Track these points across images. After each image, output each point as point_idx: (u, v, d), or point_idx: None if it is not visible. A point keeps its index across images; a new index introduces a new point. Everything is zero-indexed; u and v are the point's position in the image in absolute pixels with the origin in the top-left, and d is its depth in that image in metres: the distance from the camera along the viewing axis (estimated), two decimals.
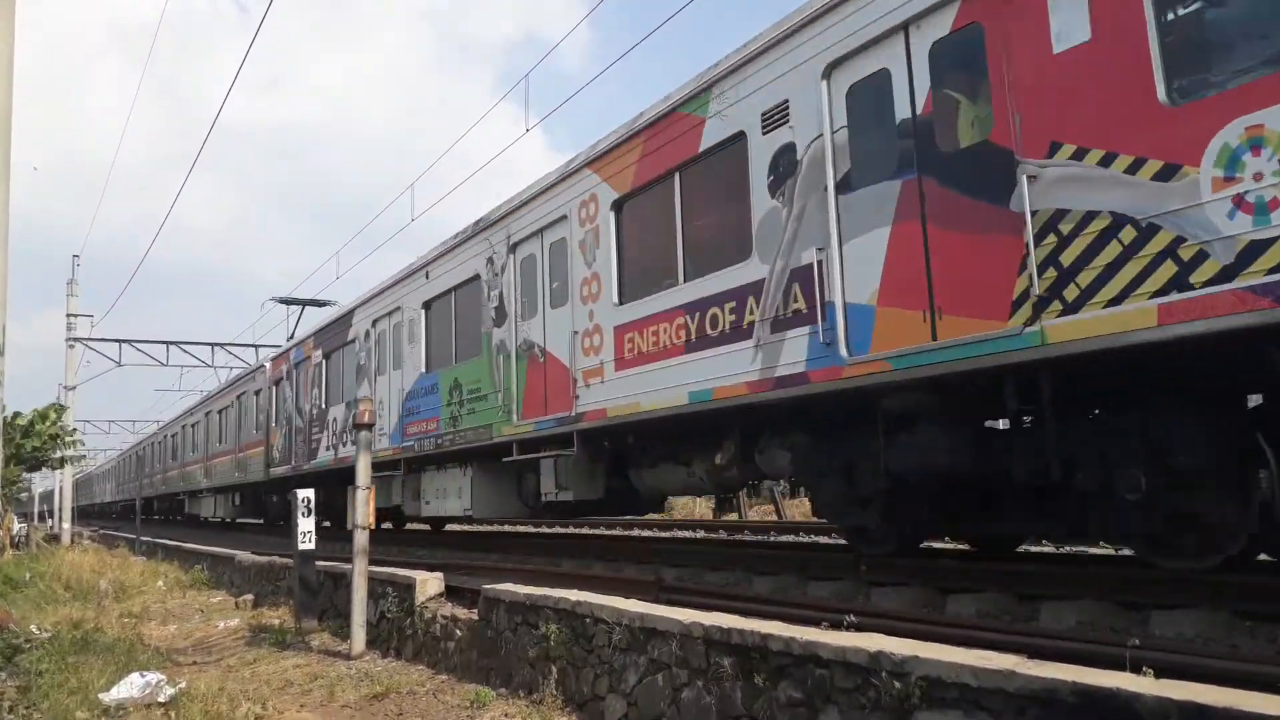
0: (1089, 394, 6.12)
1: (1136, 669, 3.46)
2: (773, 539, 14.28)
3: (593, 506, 11.28)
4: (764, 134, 7.57)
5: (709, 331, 8.08)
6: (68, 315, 32.17)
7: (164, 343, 34.20)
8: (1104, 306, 5.16)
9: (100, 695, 7.18)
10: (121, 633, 10.56)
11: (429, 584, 8.66)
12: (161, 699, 7.13)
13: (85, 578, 17.00)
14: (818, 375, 6.92)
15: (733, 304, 7.83)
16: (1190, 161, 4.83)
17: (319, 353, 18.80)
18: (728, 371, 7.81)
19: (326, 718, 6.76)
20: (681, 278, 8.61)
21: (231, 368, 34.29)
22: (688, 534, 16.61)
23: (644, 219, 9.29)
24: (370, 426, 9.31)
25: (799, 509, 21.27)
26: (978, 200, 5.88)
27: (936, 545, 10.75)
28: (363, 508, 8.94)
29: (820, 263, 6.90)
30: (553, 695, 6.14)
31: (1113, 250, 5.16)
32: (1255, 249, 4.58)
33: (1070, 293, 5.34)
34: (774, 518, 21.13)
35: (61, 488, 34.24)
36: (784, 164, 7.36)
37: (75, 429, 30.37)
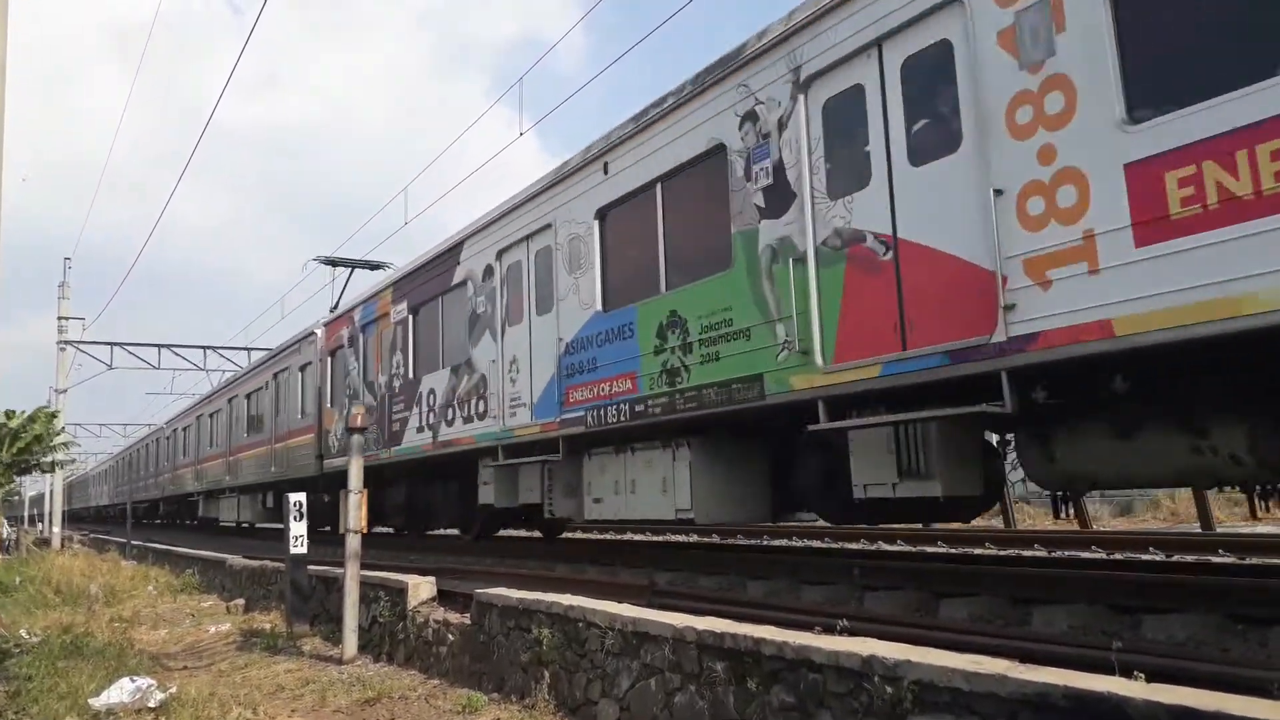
0: None
1: (1127, 673, 3.47)
2: (765, 544, 14.30)
3: (950, 507, 7.41)
4: None
5: None
6: (59, 318, 32.08)
7: (155, 345, 34.17)
8: None
9: (90, 700, 7.14)
10: (112, 637, 10.51)
11: (421, 588, 8.64)
12: (152, 704, 7.10)
13: (75, 582, 16.91)
14: None
15: None
16: None
17: (402, 307, 14.55)
18: None
19: None
20: None
21: (224, 370, 34.21)
22: (680, 538, 16.61)
23: None
24: (363, 431, 9.28)
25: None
26: None
27: (930, 549, 10.79)
28: (355, 512, 8.92)
29: None
30: (545, 700, 6.13)
31: None
32: None
33: None
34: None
35: (52, 492, 34.01)
36: None
37: (63, 429, 30.19)
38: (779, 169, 7.41)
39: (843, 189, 6.86)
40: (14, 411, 26.09)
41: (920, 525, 13.46)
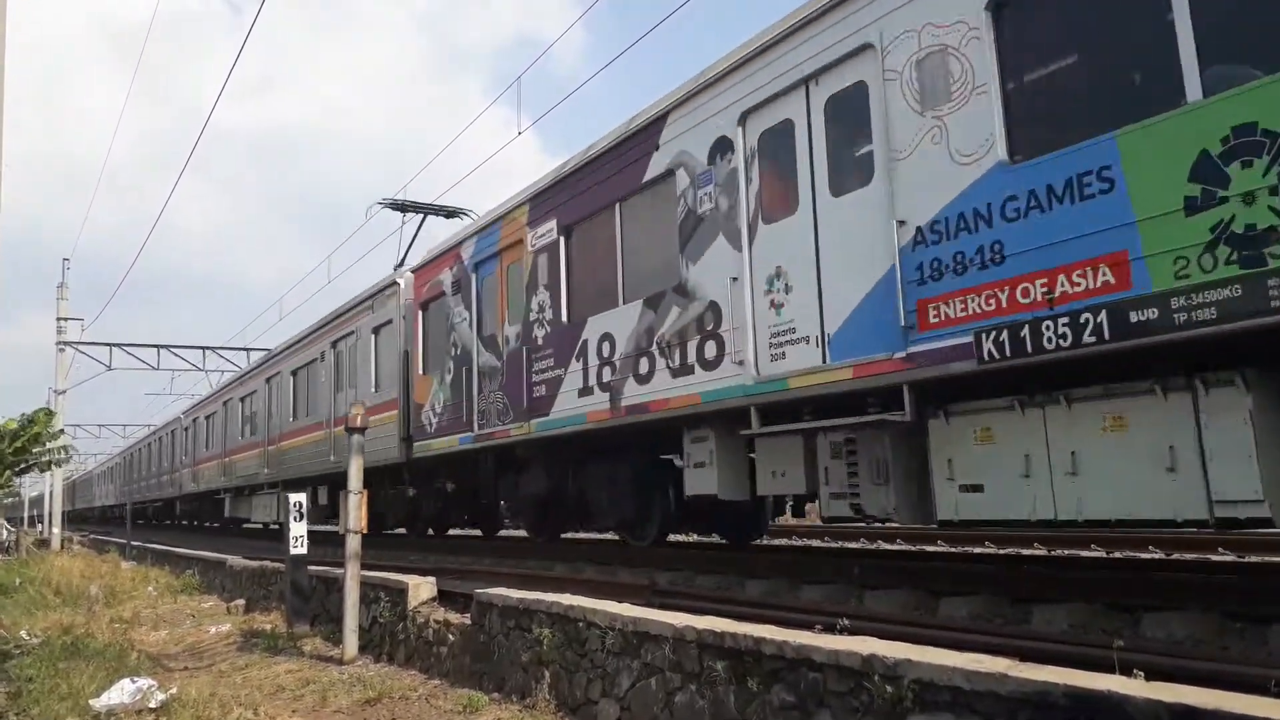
0: None
1: (1127, 671, 3.48)
2: (765, 543, 14.30)
3: None
4: None
5: None
6: (58, 319, 32.07)
7: (154, 346, 34.18)
8: None
9: (91, 701, 7.15)
10: (112, 638, 10.51)
11: (421, 588, 8.64)
12: (152, 704, 7.11)
13: (75, 583, 16.91)
14: None
15: None
16: None
17: (546, 230, 10.76)
18: None
19: None
20: None
21: (223, 371, 34.18)
22: (680, 538, 16.60)
23: None
24: (362, 431, 9.28)
25: None
26: None
27: (930, 548, 10.81)
28: (355, 512, 8.93)
29: None
30: (546, 700, 6.14)
31: None
32: None
33: None
34: None
35: (51, 492, 33.98)
36: None
37: (62, 431, 30.16)
38: None
39: None
40: (13, 419, 26.09)
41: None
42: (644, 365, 9.05)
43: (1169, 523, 5.35)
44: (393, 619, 8.69)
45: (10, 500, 52.36)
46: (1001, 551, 10.96)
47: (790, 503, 10.62)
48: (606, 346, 9.59)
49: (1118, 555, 10.07)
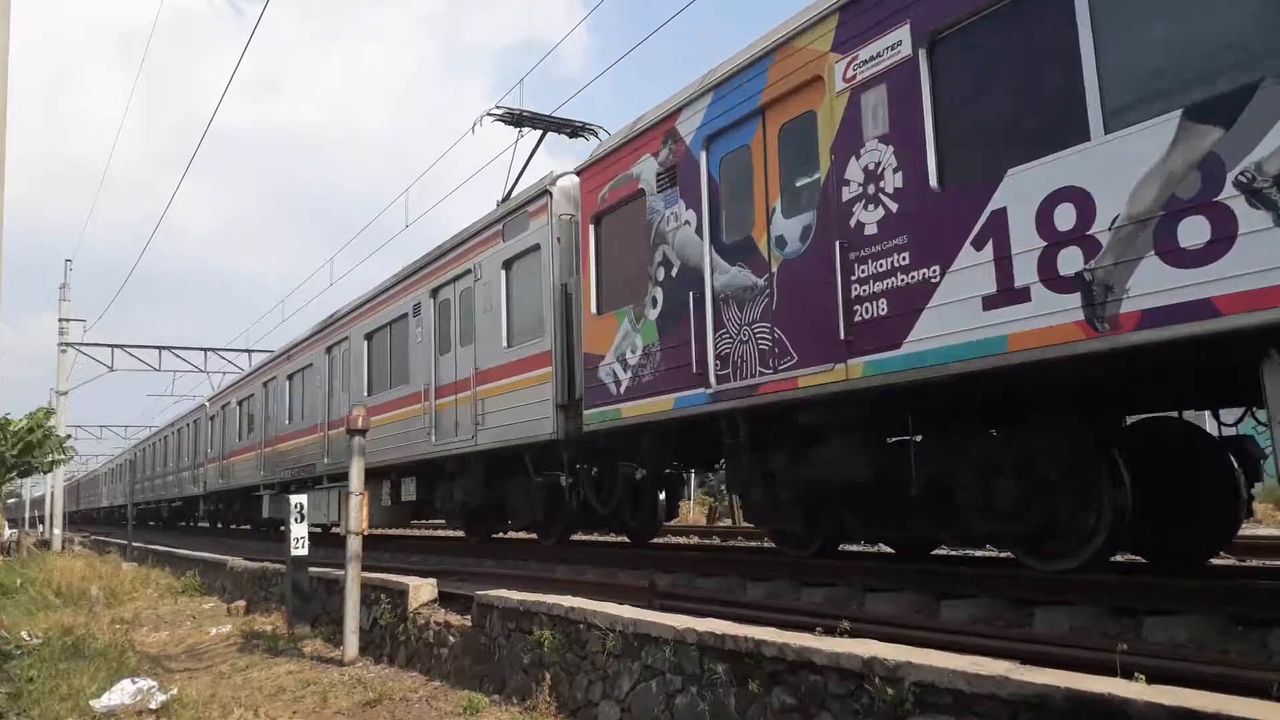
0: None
1: (1128, 674, 3.48)
2: (766, 544, 14.29)
3: None
4: None
5: None
6: (60, 320, 32.12)
7: (156, 347, 34.25)
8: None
9: (92, 702, 7.16)
10: (113, 639, 10.52)
11: (422, 590, 8.64)
12: (153, 705, 7.12)
13: (76, 584, 16.93)
14: None
15: None
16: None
17: (884, 47, 6.73)
18: None
19: None
20: None
21: (225, 373, 34.19)
22: (680, 540, 16.61)
23: None
24: (364, 433, 9.29)
25: None
26: None
27: (933, 551, 10.77)
28: (356, 513, 8.94)
29: None
30: (546, 702, 6.13)
31: None
32: None
33: None
34: None
35: (52, 493, 34.00)
36: None
37: (69, 435, 30.18)
38: None
39: None
40: (11, 419, 26.09)
41: None
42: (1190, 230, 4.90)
43: None
44: (393, 620, 8.69)
45: (12, 501, 52.37)
46: (1002, 554, 10.94)
47: None
48: (1064, 215, 5.49)
49: (1119, 559, 10.05)
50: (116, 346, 33.46)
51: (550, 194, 11.16)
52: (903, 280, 6.54)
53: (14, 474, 26.85)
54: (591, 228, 10.21)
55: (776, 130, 7.85)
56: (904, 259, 6.55)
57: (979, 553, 11.38)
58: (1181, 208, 4.96)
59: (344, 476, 15.85)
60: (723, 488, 14.55)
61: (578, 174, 10.72)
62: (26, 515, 62.94)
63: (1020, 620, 6.21)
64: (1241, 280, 4.65)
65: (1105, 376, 6.15)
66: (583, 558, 11.86)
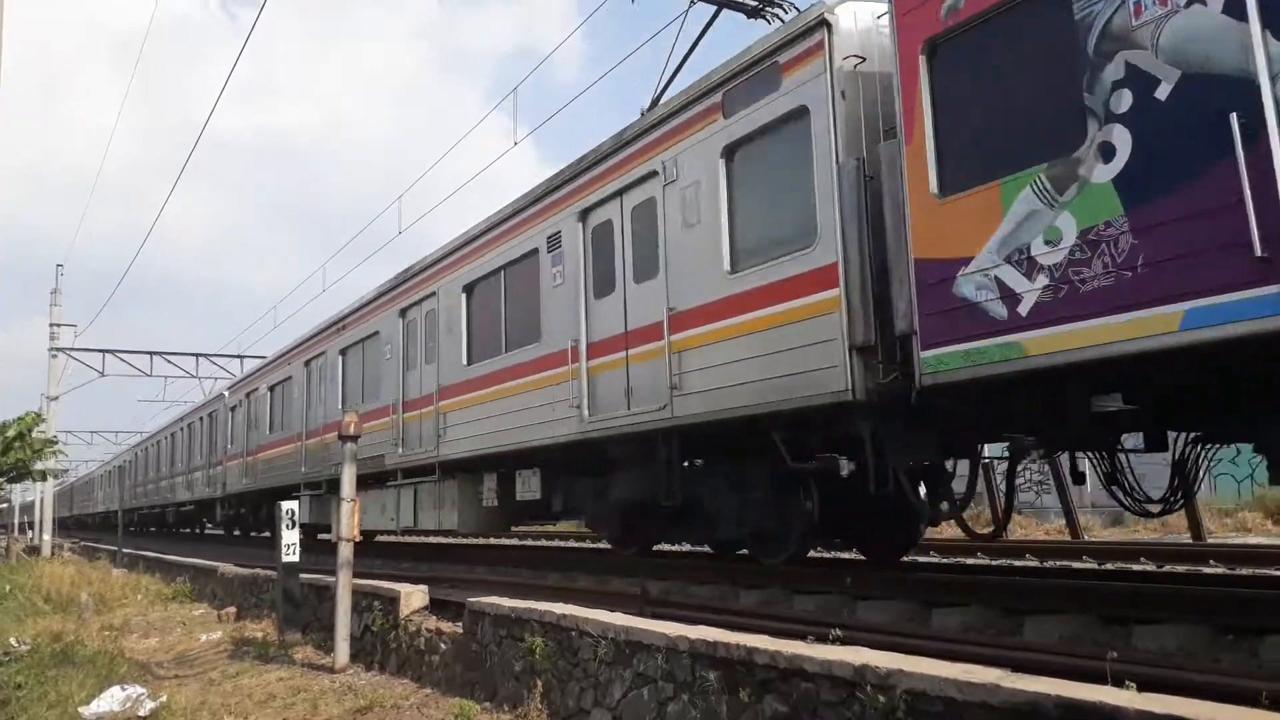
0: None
1: (1119, 682, 3.48)
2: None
3: None
4: None
5: None
6: (51, 325, 31.99)
7: (147, 353, 34.11)
8: None
9: (80, 709, 7.12)
10: (102, 646, 10.47)
11: (413, 597, 8.62)
12: (142, 712, 7.09)
13: (66, 590, 16.84)
14: None
15: None
16: None
17: None
18: None
19: None
20: None
21: (216, 378, 34.08)
22: (673, 548, 16.58)
23: None
24: (355, 439, 9.27)
25: None
26: None
27: (923, 559, 10.80)
28: (347, 520, 8.91)
29: None
30: (538, 709, 6.12)
31: None
32: None
33: None
34: None
35: (41, 498, 33.83)
36: None
37: (57, 439, 30.03)
38: None
39: None
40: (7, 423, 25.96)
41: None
42: None
43: None
44: (385, 627, 8.66)
45: (3, 506, 52.05)
46: (994, 563, 10.96)
47: None
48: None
49: (1109, 567, 10.08)
50: (108, 352, 33.34)
51: (828, 28, 7.34)
52: None
53: (4, 479, 26.69)
54: (924, 62, 6.56)
55: None
56: None
57: (970, 560, 11.41)
58: None
59: (424, 471, 13.09)
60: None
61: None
62: (16, 521, 62.60)
63: (1011, 628, 6.23)
64: None
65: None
66: (574, 565, 11.85)
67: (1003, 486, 9.55)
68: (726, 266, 8.22)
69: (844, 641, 4.89)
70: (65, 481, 66.08)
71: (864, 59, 7.33)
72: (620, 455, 10.06)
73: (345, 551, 8.83)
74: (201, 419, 28.89)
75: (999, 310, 5.92)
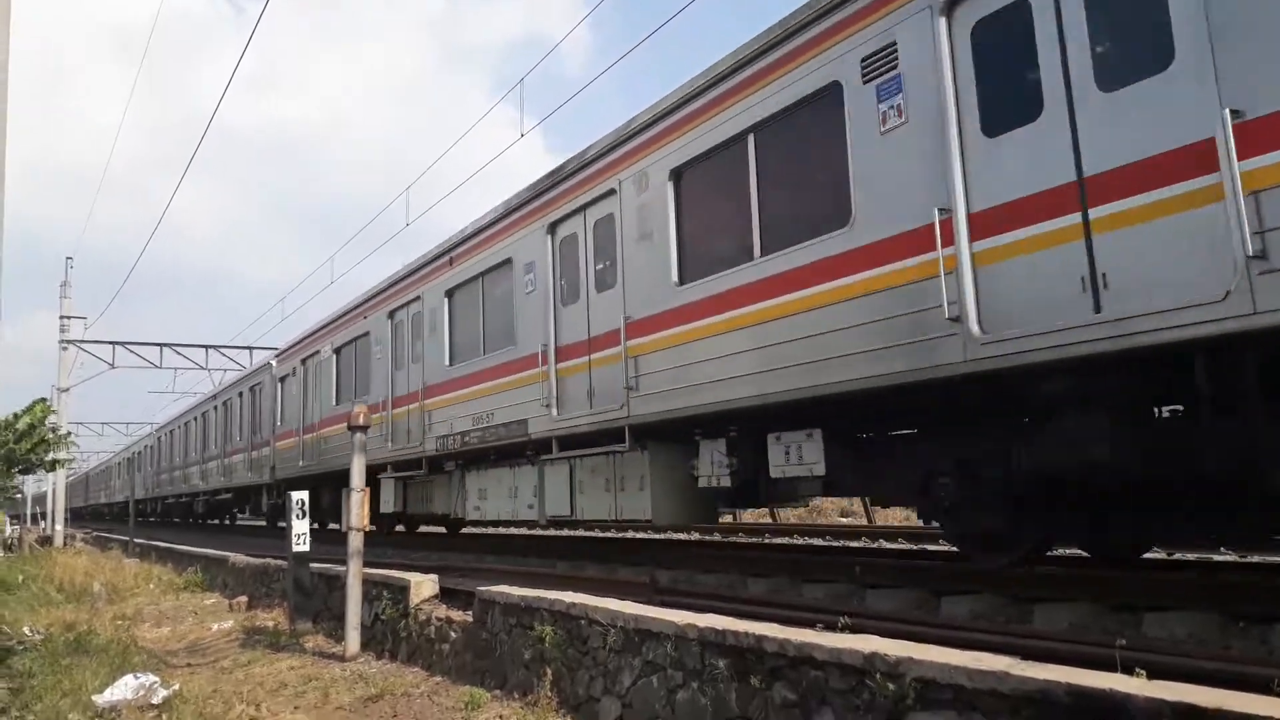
0: None
1: (1129, 670, 3.48)
2: (767, 540, 14.30)
3: None
4: None
5: None
6: (61, 317, 32.10)
7: (157, 345, 34.14)
8: None
9: (94, 697, 7.17)
10: (115, 635, 10.53)
11: (424, 586, 8.66)
12: (155, 701, 7.13)
13: (78, 580, 16.95)
14: None
15: None
16: None
17: None
18: None
19: None
20: None
21: (226, 370, 34.12)
22: (681, 536, 16.62)
23: None
24: (365, 429, 9.29)
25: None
26: None
27: (932, 547, 10.76)
28: (358, 509, 8.95)
29: None
30: (547, 697, 6.14)
31: None
32: None
33: None
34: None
35: (54, 489, 33.99)
36: None
37: (69, 432, 30.13)
38: None
39: None
40: (17, 415, 26.00)
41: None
42: None
43: None
44: (395, 616, 8.70)
45: (15, 497, 52.29)
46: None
47: None
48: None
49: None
50: (117, 344, 33.42)
51: None
52: None
53: (15, 470, 26.79)
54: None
55: None
56: None
57: None
58: None
59: (593, 440, 9.80)
60: None
61: None
62: (28, 511, 63.00)
63: (1020, 616, 6.22)
64: None
65: None
66: (583, 553, 11.88)
67: None
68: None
69: (853, 629, 4.90)
70: (78, 471, 66.31)
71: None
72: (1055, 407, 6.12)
73: (355, 541, 8.87)
74: (240, 395, 25.17)
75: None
